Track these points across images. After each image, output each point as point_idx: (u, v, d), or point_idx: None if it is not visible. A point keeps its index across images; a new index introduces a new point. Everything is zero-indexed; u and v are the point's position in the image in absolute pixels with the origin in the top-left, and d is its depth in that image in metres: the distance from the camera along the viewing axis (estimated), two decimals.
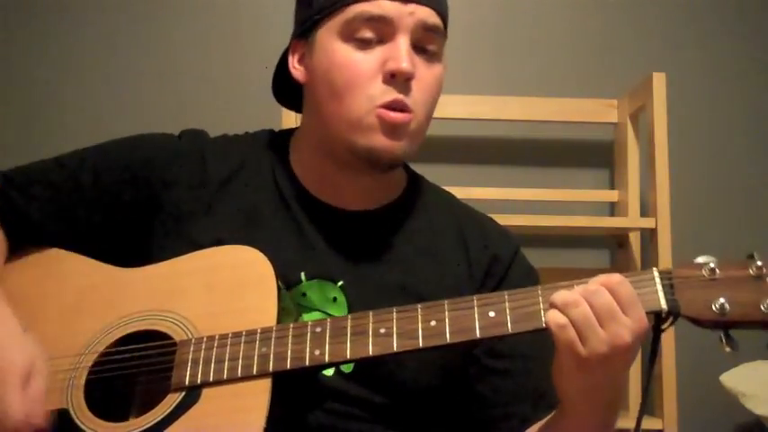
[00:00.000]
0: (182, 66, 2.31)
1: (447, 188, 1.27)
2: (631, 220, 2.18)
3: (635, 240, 2.23)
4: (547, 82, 2.33)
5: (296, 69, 1.15)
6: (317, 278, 1.09)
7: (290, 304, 1.04)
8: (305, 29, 1.12)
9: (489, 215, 1.25)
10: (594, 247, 2.31)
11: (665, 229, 2.03)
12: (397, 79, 1.05)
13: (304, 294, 1.09)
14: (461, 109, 2.18)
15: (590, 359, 0.86)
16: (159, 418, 0.94)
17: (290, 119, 1.93)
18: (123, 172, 1.13)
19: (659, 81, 2.08)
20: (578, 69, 2.35)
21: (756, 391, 1.90)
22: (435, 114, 1.14)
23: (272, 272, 1.01)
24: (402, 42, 1.05)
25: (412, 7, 1.06)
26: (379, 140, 1.05)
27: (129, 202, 1.13)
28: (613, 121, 2.27)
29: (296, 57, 1.15)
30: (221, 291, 1.02)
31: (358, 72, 1.05)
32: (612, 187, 2.32)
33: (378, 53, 1.06)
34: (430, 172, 1.28)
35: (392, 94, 1.05)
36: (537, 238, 2.21)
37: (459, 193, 1.27)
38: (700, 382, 2.05)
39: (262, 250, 1.03)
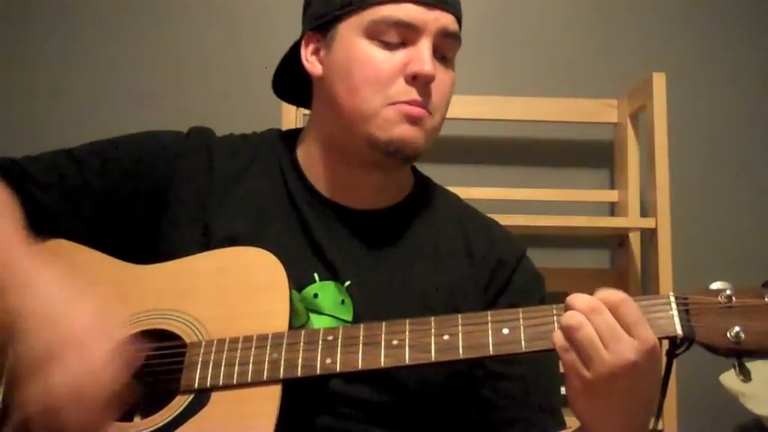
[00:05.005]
0: (182, 65, 2.31)
1: (447, 188, 1.27)
2: (631, 220, 2.19)
3: (635, 240, 2.23)
4: (547, 82, 2.32)
5: (309, 62, 1.15)
6: (329, 279, 1.09)
7: (300, 306, 1.04)
8: (323, 23, 1.12)
9: (490, 216, 1.25)
10: (594, 247, 2.31)
11: (665, 229, 2.03)
12: (419, 81, 1.07)
13: (316, 295, 1.08)
14: (461, 109, 2.16)
15: (596, 382, 0.85)
16: (167, 420, 0.94)
17: (290, 118, 1.93)
18: (130, 166, 1.13)
19: (659, 81, 2.08)
20: (578, 69, 2.35)
21: (756, 391, 1.89)
22: None
23: (285, 275, 1.00)
24: (425, 46, 1.07)
25: (436, 14, 1.08)
26: (401, 130, 1.07)
27: (136, 197, 1.12)
28: (613, 121, 2.27)
29: (309, 49, 1.15)
30: (233, 293, 1.02)
31: (379, 70, 1.07)
32: (612, 187, 2.32)
33: (400, 55, 1.07)
34: (430, 172, 1.27)
35: (412, 95, 1.07)
36: (537, 238, 2.20)
37: (459, 193, 1.27)
38: (700, 382, 2.04)
39: (273, 250, 1.03)
